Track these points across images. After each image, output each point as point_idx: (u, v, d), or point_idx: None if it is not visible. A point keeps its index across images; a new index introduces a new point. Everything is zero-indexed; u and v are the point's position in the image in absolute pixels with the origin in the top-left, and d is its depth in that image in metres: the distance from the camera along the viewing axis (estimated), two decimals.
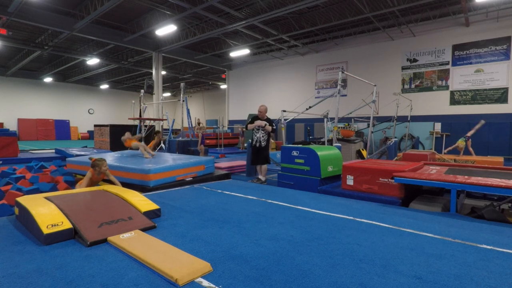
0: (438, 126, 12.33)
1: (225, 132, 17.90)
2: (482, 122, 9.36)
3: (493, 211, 3.41)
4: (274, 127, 6.11)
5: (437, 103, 12.91)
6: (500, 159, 7.77)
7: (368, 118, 8.34)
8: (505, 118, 11.25)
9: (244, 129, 15.71)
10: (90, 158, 4.38)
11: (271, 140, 13.05)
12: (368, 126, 8.19)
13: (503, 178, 3.78)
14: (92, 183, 4.34)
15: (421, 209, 3.82)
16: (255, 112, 7.22)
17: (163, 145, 10.28)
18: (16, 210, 3.12)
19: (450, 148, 9.28)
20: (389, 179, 4.17)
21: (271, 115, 10.61)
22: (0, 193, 4.54)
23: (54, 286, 1.83)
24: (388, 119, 11.64)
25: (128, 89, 30.76)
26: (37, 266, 2.09)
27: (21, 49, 17.62)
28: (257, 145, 6.15)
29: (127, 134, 6.47)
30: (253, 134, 6.24)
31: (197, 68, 22.56)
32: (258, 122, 6.02)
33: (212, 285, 1.85)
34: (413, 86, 13.56)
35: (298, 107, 8.66)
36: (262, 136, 6.12)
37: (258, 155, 6.21)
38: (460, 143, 8.97)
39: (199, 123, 14.44)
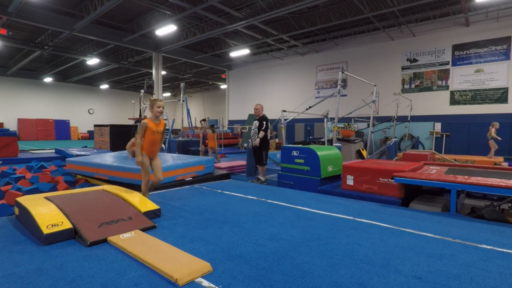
0: (438, 126, 12.33)
1: (225, 132, 17.90)
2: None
3: (493, 211, 3.41)
4: (263, 127, 6.08)
5: (437, 103, 12.91)
6: (500, 159, 7.78)
7: (368, 118, 8.34)
8: (505, 118, 11.24)
9: (244, 130, 15.73)
10: (150, 99, 3.75)
11: (271, 141, 12.97)
12: (368, 126, 8.19)
13: (503, 178, 3.78)
14: (151, 133, 3.57)
15: (421, 209, 3.82)
16: None
17: (163, 145, 10.28)
18: (16, 210, 3.12)
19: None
20: (389, 179, 4.17)
21: (271, 115, 10.62)
22: (0, 193, 4.54)
23: (54, 286, 1.83)
24: (388, 119, 11.63)
25: (128, 89, 30.76)
26: (37, 266, 2.09)
27: (21, 49, 17.62)
28: (252, 145, 6.36)
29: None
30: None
31: (197, 68, 22.56)
32: (256, 142, 6.12)
33: (212, 285, 1.85)
34: (413, 86, 13.56)
35: (298, 107, 8.66)
36: (253, 136, 6.26)
37: (254, 155, 6.46)
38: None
39: (204, 120, 14.22)
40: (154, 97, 17.03)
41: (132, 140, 6.39)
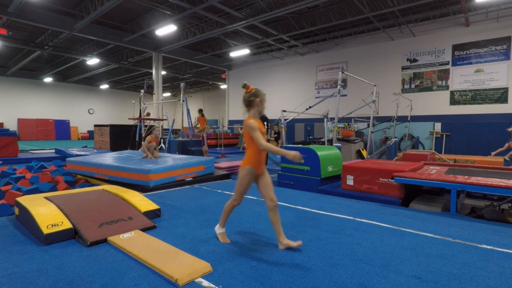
0: (438, 126, 12.32)
1: (225, 132, 17.89)
2: None
3: (493, 211, 3.41)
4: (267, 128, 6.05)
5: (437, 103, 12.91)
6: (500, 159, 7.77)
7: (368, 118, 8.34)
8: (505, 118, 11.24)
9: None
10: (248, 87, 2.74)
11: (274, 143, 12.93)
12: (368, 126, 8.19)
13: (503, 178, 3.78)
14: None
15: (421, 209, 3.82)
16: None
17: (163, 145, 10.29)
18: (16, 210, 3.12)
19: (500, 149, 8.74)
20: (389, 179, 4.17)
21: (271, 115, 10.62)
22: (0, 193, 4.55)
23: (54, 286, 1.83)
24: (388, 119, 11.63)
25: (128, 89, 30.75)
26: (37, 266, 2.09)
27: (21, 49, 17.61)
28: None
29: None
30: None
31: (197, 68, 22.55)
32: None
33: (212, 285, 1.85)
34: (413, 86, 13.55)
35: (298, 107, 8.66)
36: None
37: None
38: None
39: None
40: (154, 97, 16.96)
41: (148, 138, 6.32)
